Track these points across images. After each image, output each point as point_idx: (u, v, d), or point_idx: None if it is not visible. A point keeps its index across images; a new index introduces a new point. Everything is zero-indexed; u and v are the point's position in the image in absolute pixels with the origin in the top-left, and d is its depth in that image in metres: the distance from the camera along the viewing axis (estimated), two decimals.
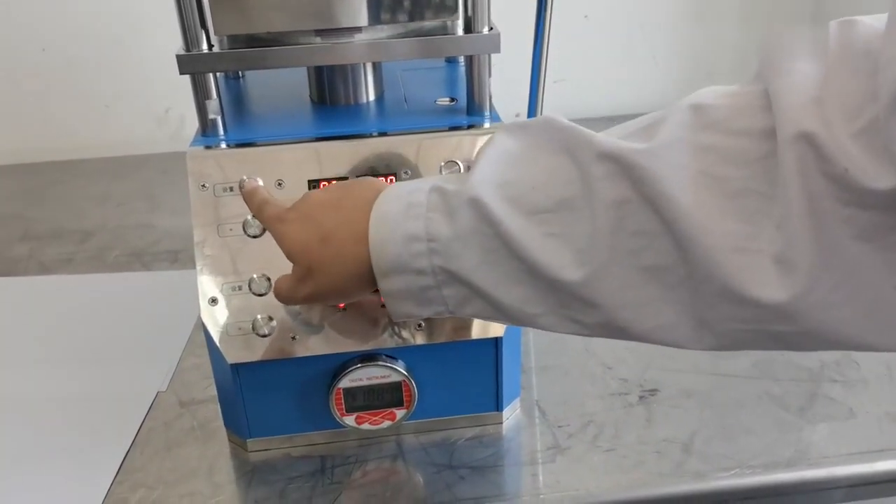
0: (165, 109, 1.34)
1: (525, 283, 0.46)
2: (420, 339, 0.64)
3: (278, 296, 0.57)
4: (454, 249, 0.47)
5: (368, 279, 0.51)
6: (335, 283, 0.53)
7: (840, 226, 0.38)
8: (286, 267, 0.62)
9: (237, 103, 0.75)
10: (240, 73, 0.81)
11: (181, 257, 1.01)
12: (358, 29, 0.63)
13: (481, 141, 0.64)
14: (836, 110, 0.38)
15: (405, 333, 0.64)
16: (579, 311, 0.46)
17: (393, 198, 0.51)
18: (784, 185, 0.39)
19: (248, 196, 0.60)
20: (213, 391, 0.74)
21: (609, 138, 0.44)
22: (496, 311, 0.49)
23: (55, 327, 0.88)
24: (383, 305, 0.54)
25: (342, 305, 0.63)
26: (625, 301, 0.44)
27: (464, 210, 0.47)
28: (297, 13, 0.62)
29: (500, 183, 0.47)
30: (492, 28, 0.64)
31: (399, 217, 0.49)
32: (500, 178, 0.47)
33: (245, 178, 0.62)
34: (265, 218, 0.58)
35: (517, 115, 1.30)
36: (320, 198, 0.55)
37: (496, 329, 0.65)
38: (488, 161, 0.48)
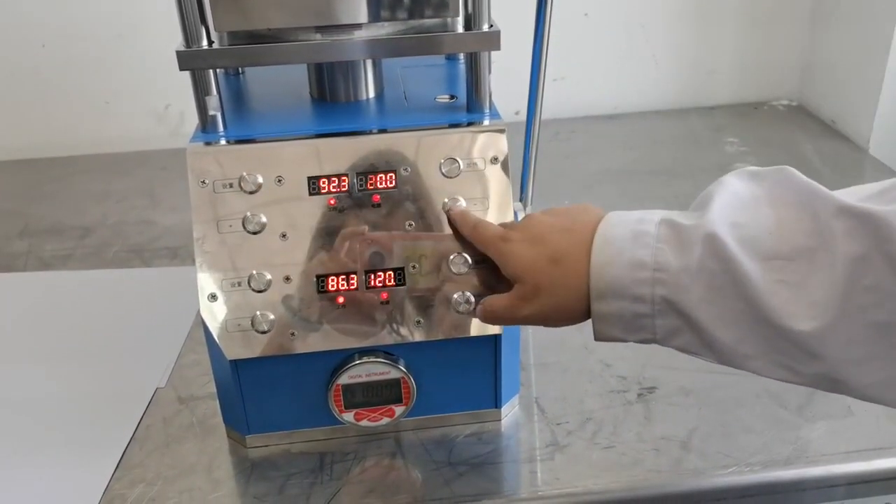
0: (165, 106, 1.34)
1: (745, 324, 0.47)
2: (419, 336, 0.64)
3: (491, 314, 0.58)
4: (682, 282, 0.48)
5: (581, 296, 0.52)
6: (560, 303, 0.54)
7: None
8: (288, 264, 0.62)
9: (237, 100, 0.75)
10: (239, 69, 0.81)
11: (181, 253, 1.01)
12: (358, 26, 0.63)
13: (481, 138, 0.64)
14: None
15: (404, 330, 0.64)
16: (798, 360, 0.46)
17: (618, 223, 0.52)
18: None
19: (461, 217, 0.62)
20: (212, 387, 0.74)
21: (848, 196, 0.45)
22: (704, 347, 0.49)
23: (54, 323, 0.88)
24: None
25: (341, 301, 0.63)
26: (849, 355, 0.44)
27: (697, 245, 0.47)
28: (298, 10, 0.62)
29: (734, 223, 0.47)
30: (492, 25, 0.64)
31: (625, 243, 0.50)
32: (734, 219, 0.48)
33: (445, 200, 0.64)
34: (486, 237, 0.59)
35: (517, 113, 1.30)
36: (549, 221, 0.57)
37: (495, 326, 0.65)
38: (721, 203, 0.49)
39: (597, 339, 0.53)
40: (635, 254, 0.50)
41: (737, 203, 0.49)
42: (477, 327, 0.65)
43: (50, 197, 1.19)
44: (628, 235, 0.51)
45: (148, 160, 1.30)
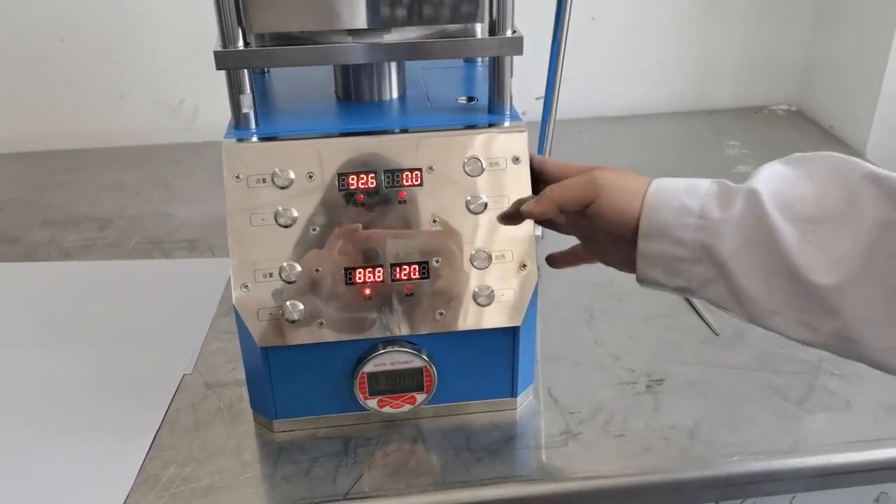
0: (179, 101, 1.36)
1: (773, 279, 0.51)
2: (441, 328, 0.67)
3: (550, 199, 0.61)
4: (721, 230, 0.53)
5: (631, 235, 0.57)
6: (616, 211, 0.58)
7: None
8: (317, 257, 0.65)
9: (264, 98, 0.78)
10: (265, 69, 0.84)
11: (199, 245, 1.04)
12: (388, 29, 0.66)
13: (503, 138, 0.68)
14: None
15: (427, 322, 0.67)
16: (818, 316, 0.50)
17: (674, 179, 0.58)
18: None
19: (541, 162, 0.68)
20: (238, 374, 0.77)
21: (880, 168, 0.49)
22: (734, 300, 0.54)
23: (81, 312, 0.91)
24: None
25: (368, 293, 0.66)
26: (866, 316, 0.48)
27: (739, 199, 0.53)
28: (333, 13, 0.64)
29: (775, 191, 0.53)
30: (515, 31, 0.67)
31: (679, 191, 0.56)
32: (776, 188, 0.53)
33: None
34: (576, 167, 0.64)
35: (523, 113, 1.33)
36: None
37: (514, 318, 0.68)
38: (767, 174, 0.55)
39: (639, 280, 0.59)
40: (685, 201, 0.55)
41: (780, 177, 0.54)
42: (497, 319, 0.68)
43: (66, 188, 1.21)
44: (682, 187, 0.56)
45: (161, 153, 1.32)
